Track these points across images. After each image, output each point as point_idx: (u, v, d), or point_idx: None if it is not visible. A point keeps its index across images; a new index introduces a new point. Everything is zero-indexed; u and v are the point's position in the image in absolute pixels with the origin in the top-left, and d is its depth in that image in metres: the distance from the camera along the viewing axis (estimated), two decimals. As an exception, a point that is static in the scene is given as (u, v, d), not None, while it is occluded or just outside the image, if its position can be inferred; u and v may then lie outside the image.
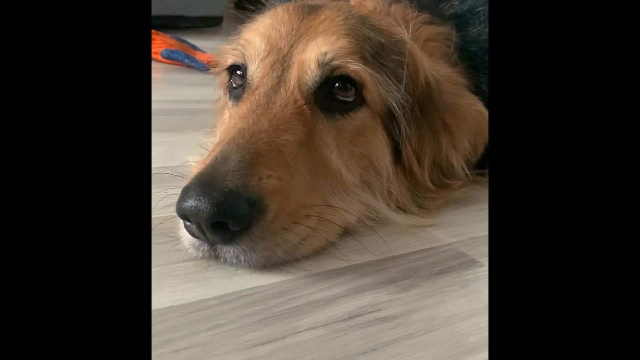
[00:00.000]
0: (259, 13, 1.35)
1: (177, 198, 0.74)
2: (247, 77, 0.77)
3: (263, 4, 1.40)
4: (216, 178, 0.59)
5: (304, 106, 0.72)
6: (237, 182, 0.59)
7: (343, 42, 0.74)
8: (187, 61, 1.82)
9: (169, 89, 1.59)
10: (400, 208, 0.84)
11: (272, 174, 0.63)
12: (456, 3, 1.05)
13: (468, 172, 0.91)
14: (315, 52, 0.73)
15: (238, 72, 0.80)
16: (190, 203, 0.58)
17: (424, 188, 0.87)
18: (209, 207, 0.57)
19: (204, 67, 1.81)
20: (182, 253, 0.66)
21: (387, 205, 0.82)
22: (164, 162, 0.96)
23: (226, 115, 0.86)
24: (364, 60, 0.76)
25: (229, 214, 0.58)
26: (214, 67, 1.00)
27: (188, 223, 0.61)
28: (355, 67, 0.73)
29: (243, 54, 0.78)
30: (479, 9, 1.06)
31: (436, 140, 0.87)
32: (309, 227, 0.67)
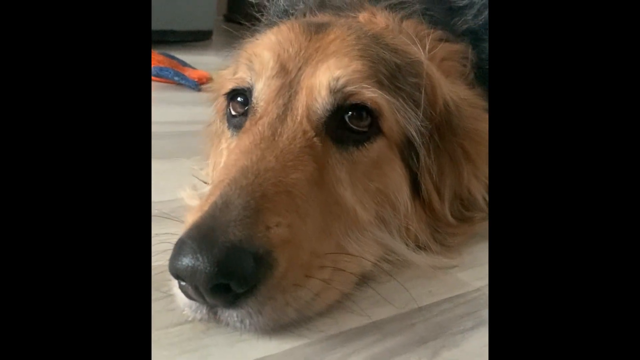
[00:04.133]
0: (254, 29, 1.27)
1: (169, 240, 0.65)
2: (252, 99, 0.68)
3: (258, 19, 1.32)
4: (216, 230, 0.50)
5: (314, 138, 0.63)
6: (241, 234, 0.50)
7: (357, 65, 0.66)
8: (177, 79, 1.73)
9: (157, 109, 1.49)
10: (419, 246, 0.75)
11: (281, 221, 0.54)
12: (469, 18, 0.98)
13: (490, 203, 0.82)
14: (327, 77, 0.65)
15: (239, 98, 0.71)
16: (185, 262, 0.48)
17: (444, 223, 0.78)
18: (208, 267, 0.48)
19: (194, 85, 1.72)
20: (177, 314, 0.57)
21: (406, 244, 0.73)
22: (152, 195, 0.87)
23: (223, 144, 0.77)
24: (380, 84, 0.67)
25: (232, 274, 0.49)
26: (210, 93, 0.91)
27: (183, 283, 0.52)
28: (371, 94, 0.65)
29: (249, 68, 0.68)
30: (494, 23, 0.98)
31: (457, 169, 0.78)
32: (322, 279, 0.58)
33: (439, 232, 0.78)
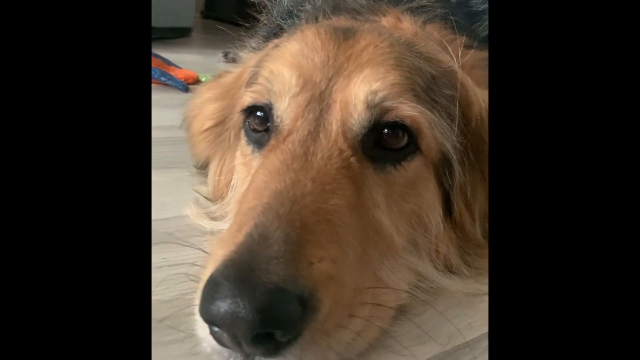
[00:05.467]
0: (255, 30, 1.20)
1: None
2: (275, 118, 0.61)
3: (257, 19, 1.25)
4: (256, 269, 0.44)
5: (351, 158, 0.57)
6: (285, 274, 0.44)
7: (394, 77, 0.60)
8: (164, 79, 1.64)
9: (146, 113, 1.41)
10: (450, 270, 0.69)
11: (325, 255, 0.48)
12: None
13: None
14: (364, 90, 0.58)
15: (259, 113, 0.64)
16: (223, 308, 0.42)
17: (474, 244, 0.73)
18: (251, 315, 0.41)
19: (182, 86, 1.63)
20: (202, 358, 0.50)
21: (436, 267, 0.68)
22: (152, 212, 0.79)
23: (239, 159, 0.70)
24: (417, 97, 0.62)
25: (278, 322, 0.42)
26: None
27: (217, 329, 0.45)
28: (410, 111, 0.59)
29: (268, 90, 0.62)
30: (514, 29, 0.93)
31: (488, 186, 0.73)
32: (364, 317, 0.52)
33: (469, 254, 0.73)
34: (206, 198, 0.85)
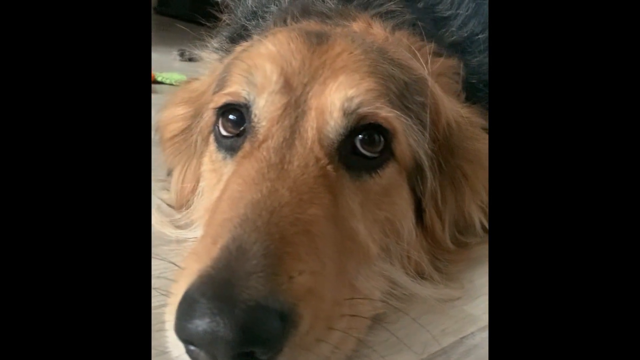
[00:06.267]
0: (217, 30, 1.17)
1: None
2: (252, 117, 0.59)
3: (216, 18, 1.22)
4: (235, 285, 0.42)
5: (328, 166, 0.56)
6: (265, 290, 0.42)
7: (369, 83, 0.59)
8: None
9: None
10: (421, 276, 0.70)
11: (304, 268, 0.47)
12: (454, 29, 0.94)
13: (487, 227, 0.79)
14: (339, 97, 0.57)
15: (231, 116, 0.62)
16: (202, 326, 0.40)
17: (444, 250, 0.74)
18: (232, 334, 0.39)
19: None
20: (175, 377, 0.48)
21: (407, 274, 0.68)
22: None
23: (207, 166, 0.68)
24: (391, 104, 0.61)
25: (259, 340, 0.41)
26: (181, 105, 0.79)
27: (193, 348, 0.43)
28: (386, 113, 0.59)
29: (248, 82, 0.60)
30: (478, 36, 0.95)
31: (457, 193, 0.74)
32: (342, 330, 0.51)
33: (439, 260, 0.73)
34: (169, 205, 0.82)
